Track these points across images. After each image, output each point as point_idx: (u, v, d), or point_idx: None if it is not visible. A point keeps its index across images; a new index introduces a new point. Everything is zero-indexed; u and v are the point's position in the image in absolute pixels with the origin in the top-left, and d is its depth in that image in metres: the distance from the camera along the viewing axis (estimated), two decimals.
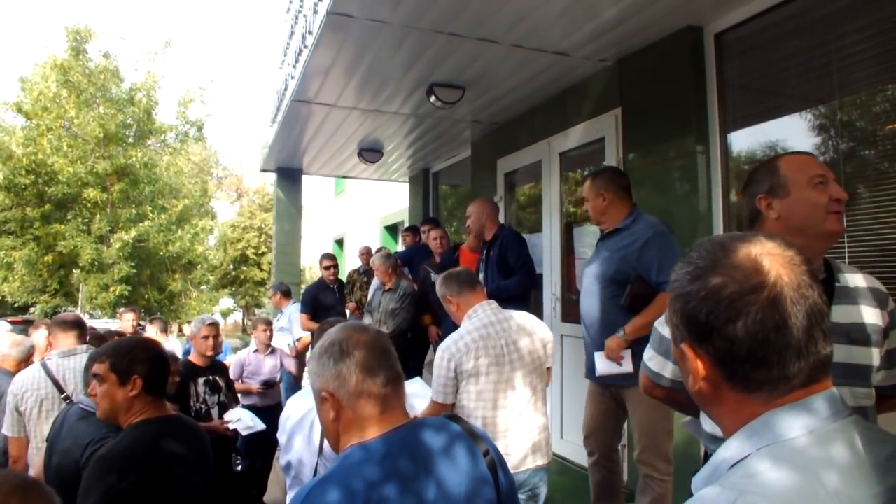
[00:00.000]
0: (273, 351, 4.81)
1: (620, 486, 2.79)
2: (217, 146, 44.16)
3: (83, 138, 15.65)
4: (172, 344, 5.84)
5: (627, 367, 2.49)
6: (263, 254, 25.99)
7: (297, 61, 4.34)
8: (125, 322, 5.51)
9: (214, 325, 3.60)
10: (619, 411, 2.68)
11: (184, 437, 1.81)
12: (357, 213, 11.78)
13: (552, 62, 3.92)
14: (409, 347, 4.80)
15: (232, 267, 27.10)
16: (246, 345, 6.79)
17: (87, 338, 3.08)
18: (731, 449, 0.68)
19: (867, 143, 2.74)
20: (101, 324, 12.09)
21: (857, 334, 1.30)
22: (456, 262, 4.49)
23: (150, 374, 1.79)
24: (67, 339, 2.93)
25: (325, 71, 4.15)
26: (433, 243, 4.96)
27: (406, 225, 7.58)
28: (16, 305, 18.36)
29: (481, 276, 3.83)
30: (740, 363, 0.67)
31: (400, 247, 7.71)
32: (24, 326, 6.98)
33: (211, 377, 3.49)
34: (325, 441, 1.74)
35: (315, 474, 1.80)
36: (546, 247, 4.67)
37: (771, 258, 0.68)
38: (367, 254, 6.23)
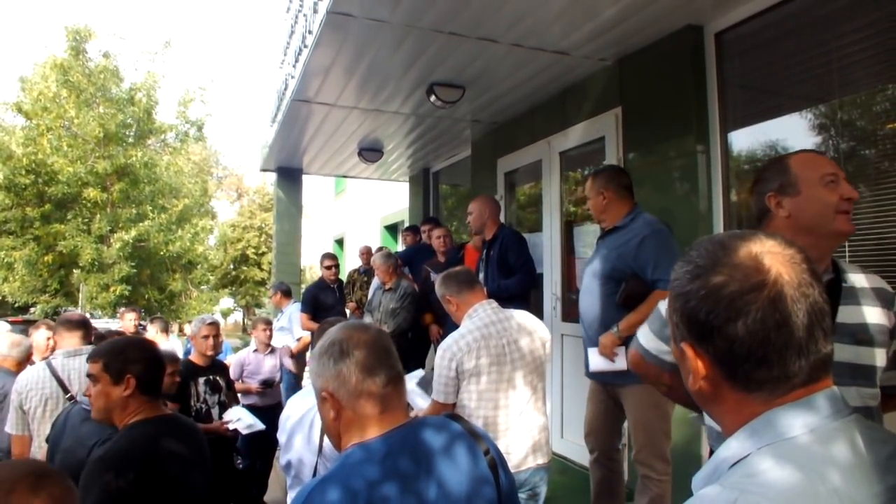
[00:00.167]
0: (273, 350, 4.82)
1: (621, 485, 2.78)
2: (217, 146, 44.18)
3: (83, 138, 15.62)
4: (174, 344, 5.84)
5: (621, 364, 2.48)
6: (263, 253, 25.98)
7: (297, 61, 4.34)
8: (127, 322, 5.52)
9: (215, 324, 3.60)
10: (617, 411, 2.68)
11: (181, 437, 1.81)
12: (357, 213, 11.77)
13: (552, 61, 3.92)
14: (410, 347, 4.79)
15: (232, 267, 27.08)
16: (246, 344, 6.79)
17: (92, 338, 3.07)
18: (731, 448, 0.67)
19: (867, 142, 2.74)
20: (102, 324, 12.11)
21: (863, 335, 1.30)
22: (461, 260, 4.47)
23: (144, 373, 1.78)
24: (72, 339, 2.92)
25: (325, 70, 4.15)
26: (436, 242, 4.92)
27: (406, 225, 7.58)
28: (16, 305, 18.36)
29: (481, 275, 3.83)
30: (741, 362, 0.67)
31: (400, 246, 7.71)
32: (24, 326, 6.99)
33: (211, 377, 3.49)
34: (326, 440, 1.74)
35: (315, 474, 1.79)
36: (546, 246, 4.67)
37: (771, 256, 0.67)
38: (367, 253, 6.22)
